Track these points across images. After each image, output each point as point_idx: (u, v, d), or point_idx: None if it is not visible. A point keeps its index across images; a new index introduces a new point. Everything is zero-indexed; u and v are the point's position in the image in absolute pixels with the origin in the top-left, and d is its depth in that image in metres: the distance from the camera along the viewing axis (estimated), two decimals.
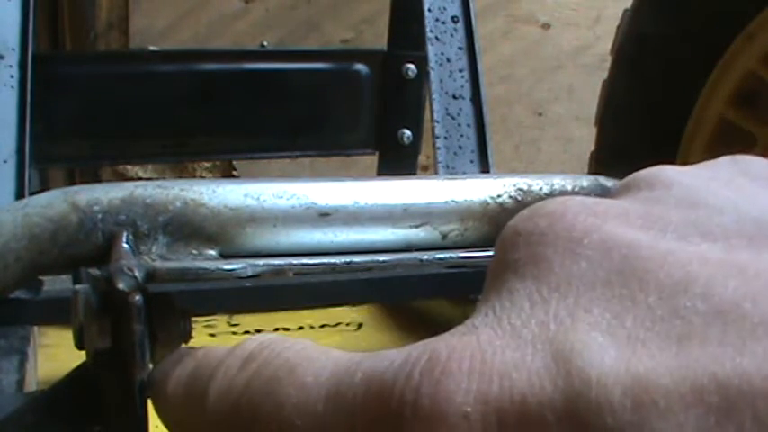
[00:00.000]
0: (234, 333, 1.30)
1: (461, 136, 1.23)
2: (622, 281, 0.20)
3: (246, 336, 1.24)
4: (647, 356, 0.18)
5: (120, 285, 0.36)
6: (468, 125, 1.24)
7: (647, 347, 0.18)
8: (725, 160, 0.26)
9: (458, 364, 0.19)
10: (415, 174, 1.58)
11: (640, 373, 0.18)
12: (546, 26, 2.37)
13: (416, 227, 0.47)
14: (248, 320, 1.36)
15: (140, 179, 2.09)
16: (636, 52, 1.33)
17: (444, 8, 1.29)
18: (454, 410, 0.18)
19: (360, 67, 1.51)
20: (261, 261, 0.42)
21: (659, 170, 0.25)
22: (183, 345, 0.41)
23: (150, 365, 0.37)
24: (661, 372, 0.18)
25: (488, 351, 0.19)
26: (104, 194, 0.43)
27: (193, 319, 0.42)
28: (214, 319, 1.33)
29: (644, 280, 0.20)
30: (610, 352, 0.18)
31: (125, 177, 2.09)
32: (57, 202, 0.43)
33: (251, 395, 0.23)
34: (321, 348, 0.24)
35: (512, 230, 0.23)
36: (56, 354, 0.99)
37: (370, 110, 1.52)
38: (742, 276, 0.19)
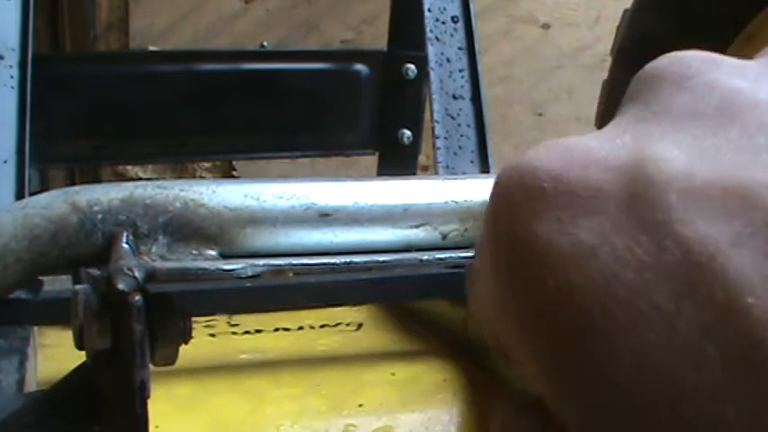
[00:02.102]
0: (234, 333, 1.30)
1: (461, 136, 1.23)
2: (715, 115, 0.22)
3: (246, 335, 1.24)
4: (710, 167, 0.20)
5: (120, 285, 0.36)
6: (468, 125, 1.24)
7: (713, 163, 0.20)
8: None
9: (555, 146, 0.23)
10: (415, 174, 1.58)
11: (698, 175, 0.20)
12: (546, 26, 2.37)
13: (416, 227, 0.47)
14: (248, 320, 1.36)
15: (140, 179, 2.10)
16: (636, 52, 1.33)
17: (444, 8, 1.29)
18: (535, 187, 0.22)
19: (360, 67, 1.51)
20: (261, 261, 0.42)
21: None
22: (183, 345, 0.41)
23: (150, 365, 0.37)
24: (717, 178, 0.20)
25: (583, 143, 0.23)
26: (104, 195, 0.43)
27: (193, 319, 0.42)
28: (214, 319, 1.33)
29: (733, 118, 0.22)
30: (680, 158, 0.21)
31: (125, 177, 2.09)
32: (57, 202, 0.43)
33: None
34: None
35: (641, 71, 0.26)
36: (56, 354, 0.99)
37: (370, 110, 1.52)
38: None
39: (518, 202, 0.22)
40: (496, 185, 0.23)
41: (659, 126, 0.22)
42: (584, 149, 0.22)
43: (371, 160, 1.60)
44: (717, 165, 0.20)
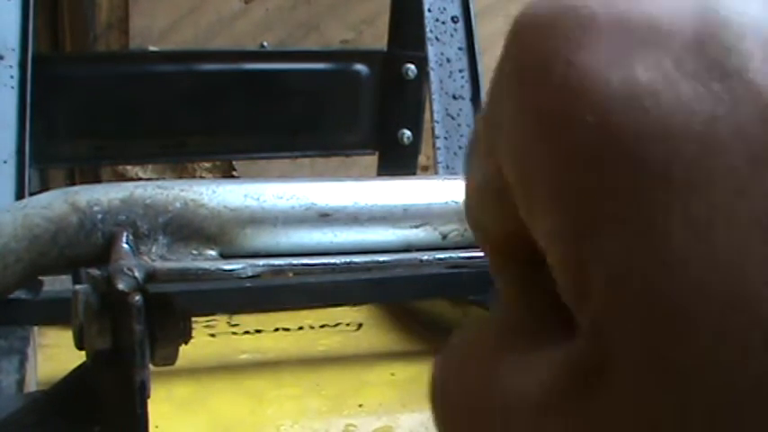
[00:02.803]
0: (234, 333, 1.31)
1: (461, 136, 1.23)
2: None
3: (246, 335, 1.24)
4: None
5: (120, 286, 0.36)
6: (468, 125, 1.24)
7: None
8: None
9: None
10: (415, 174, 1.58)
11: None
12: None
13: (416, 227, 0.47)
14: (248, 320, 1.36)
15: (140, 179, 2.10)
16: None
17: (444, 8, 1.29)
18: (585, 12, 0.18)
19: (360, 67, 1.51)
20: (261, 261, 0.42)
21: None
22: (183, 345, 0.41)
23: (150, 365, 0.37)
24: None
25: None
26: (104, 195, 0.43)
27: (193, 319, 0.42)
28: (214, 319, 1.33)
29: None
30: (757, 10, 0.18)
31: (125, 177, 2.09)
32: (57, 202, 0.43)
33: None
34: None
35: None
36: (56, 354, 0.99)
37: (370, 110, 1.52)
38: None
39: (560, 25, 0.18)
40: (531, 6, 0.19)
41: None
42: None
43: (371, 160, 1.60)
44: None
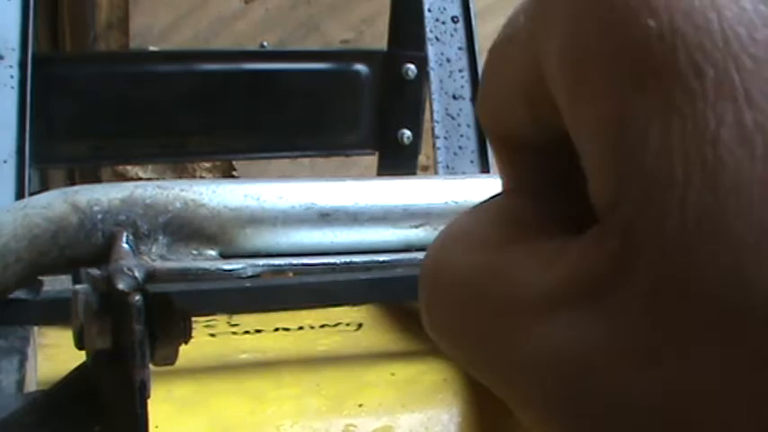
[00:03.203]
0: (234, 333, 1.30)
1: (461, 136, 1.23)
2: None
3: (246, 335, 1.24)
4: None
5: (120, 286, 0.36)
6: (468, 125, 1.24)
7: None
8: None
9: None
10: (415, 174, 1.58)
11: None
12: None
13: (416, 227, 0.47)
14: (248, 320, 1.36)
15: (140, 179, 2.10)
16: None
17: (444, 8, 1.29)
18: None
19: (360, 67, 1.51)
20: (261, 261, 0.42)
21: None
22: (183, 345, 0.41)
23: (150, 365, 0.37)
24: None
25: None
26: (104, 195, 0.43)
27: (193, 319, 0.42)
28: (214, 319, 1.33)
29: None
30: None
31: (125, 177, 2.09)
32: (57, 202, 0.43)
33: None
34: None
35: None
36: (56, 354, 0.99)
37: (370, 110, 1.52)
38: None
39: None
40: None
41: None
42: None
43: (371, 160, 1.60)
44: None
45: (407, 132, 1.52)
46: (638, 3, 0.17)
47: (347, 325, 1.20)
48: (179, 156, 1.58)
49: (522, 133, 0.21)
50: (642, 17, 0.17)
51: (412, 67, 1.48)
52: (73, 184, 1.91)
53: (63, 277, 0.98)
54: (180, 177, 2.16)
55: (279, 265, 0.43)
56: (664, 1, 0.17)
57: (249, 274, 0.42)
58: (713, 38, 0.16)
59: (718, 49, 0.16)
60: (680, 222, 0.16)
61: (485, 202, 0.22)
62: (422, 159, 1.70)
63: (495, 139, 0.22)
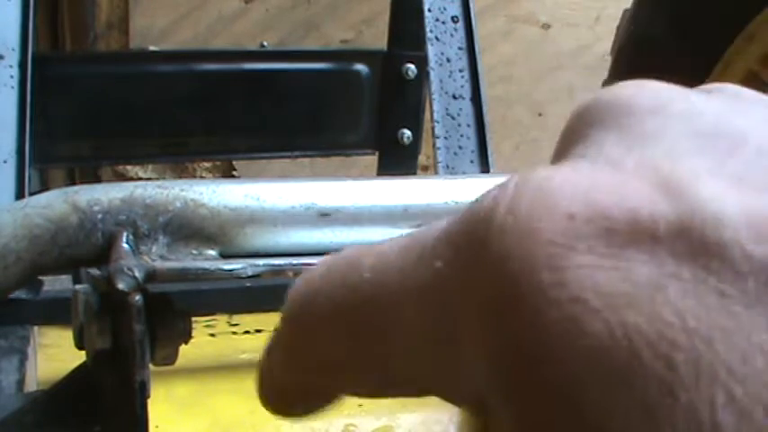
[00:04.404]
0: (234, 333, 1.30)
1: (461, 136, 1.23)
2: (717, 135, 0.19)
3: (246, 335, 1.24)
4: (755, 192, 0.17)
5: (120, 285, 0.36)
6: (468, 125, 1.24)
7: (754, 186, 0.18)
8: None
9: (560, 179, 0.18)
10: (415, 174, 1.58)
11: (754, 200, 0.17)
12: (546, 26, 2.37)
13: (416, 227, 0.47)
14: (248, 320, 1.36)
15: (140, 179, 2.09)
16: (636, 52, 1.33)
17: (444, 8, 1.29)
18: (559, 211, 0.17)
19: (360, 67, 1.51)
20: (261, 261, 0.42)
21: (723, 83, 0.24)
22: (183, 345, 0.41)
23: (150, 365, 0.37)
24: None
25: (590, 175, 0.18)
26: (104, 194, 0.43)
27: (193, 319, 0.42)
28: (214, 319, 1.33)
29: (740, 137, 0.19)
30: (718, 182, 0.17)
31: (125, 177, 2.09)
32: (57, 202, 0.43)
33: (324, 281, 0.22)
34: None
35: (590, 99, 0.22)
36: (56, 354, 0.99)
37: (370, 110, 1.52)
38: None
39: (538, 233, 0.17)
40: (494, 216, 0.17)
41: (662, 152, 0.19)
42: (602, 171, 0.18)
43: (371, 160, 1.60)
44: (758, 192, 0.17)
45: (407, 132, 1.52)
46: (574, 315, 0.16)
47: None
48: (179, 156, 1.58)
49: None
50: (584, 330, 0.16)
51: (412, 66, 1.48)
52: (73, 184, 1.91)
53: (63, 277, 0.98)
54: (180, 177, 2.16)
55: (279, 265, 0.43)
56: (601, 301, 0.16)
57: (249, 274, 0.42)
58: (668, 322, 0.16)
59: (677, 331, 0.16)
60: None
61: None
62: (422, 159, 1.70)
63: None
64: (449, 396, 0.20)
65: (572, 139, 0.21)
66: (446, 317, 0.18)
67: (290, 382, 0.23)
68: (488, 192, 0.18)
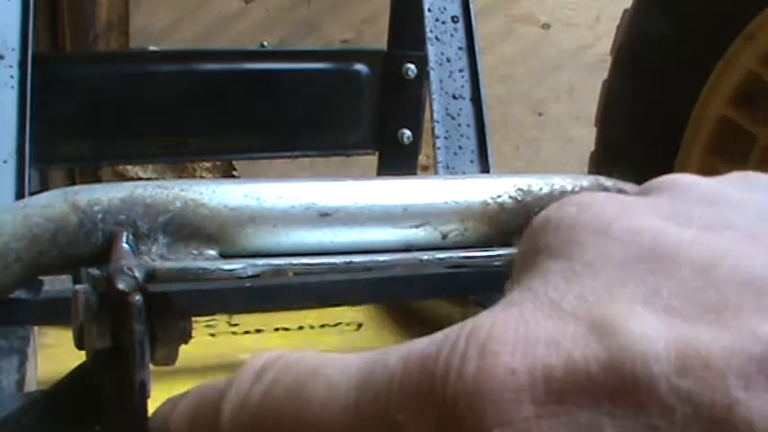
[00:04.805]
0: (234, 333, 1.30)
1: (461, 136, 1.23)
2: (654, 258, 0.20)
3: (246, 335, 1.24)
4: (685, 322, 0.19)
5: (120, 285, 0.36)
6: (468, 125, 1.24)
7: (684, 315, 0.19)
8: (735, 174, 0.27)
9: (502, 330, 0.19)
10: (415, 174, 1.58)
11: (681, 332, 0.18)
12: (546, 26, 2.37)
13: (416, 227, 0.47)
14: (248, 320, 1.36)
15: (140, 179, 2.09)
16: (636, 52, 1.33)
17: (444, 8, 1.29)
18: (502, 368, 0.19)
19: (360, 67, 1.51)
20: (261, 261, 0.42)
21: (677, 176, 0.26)
22: (183, 345, 0.41)
23: (150, 366, 0.37)
24: (701, 332, 0.18)
25: (531, 320, 0.20)
26: (104, 194, 0.43)
27: (193, 319, 0.42)
28: (214, 319, 1.33)
29: (675, 258, 0.20)
30: (649, 317, 0.19)
31: (125, 177, 2.09)
32: (57, 202, 0.43)
33: (271, 403, 0.23)
34: (339, 354, 0.23)
35: (541, 218, 0.24)
36: (56, 354, 0.99)
37: (370, 110, 1.52)
38: None
39: (488, 392, 0.19)
40: (429, 376, 0.19)
41: (600, 282, 0.20)
42: (538, 325, 0.19)
43: (371, 160, 1.60)
44: (686, 321, 0.19)
45: (407, 132, 1.52)
46: None
47: (347, 325, 1.20)
48: (179, 156, 1.58)
49: None
50: None
51: (412, 66, 1.48)
52: (73, 184, 1.91)
53: (63, 277, 0.98)
54: (180, 177, 2.16)
55: (279, 265, 0.43)
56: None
57: (249, 274, 0.42)
58: None
59: None
60: None
61: None
62: (422, 159, 1.70)
63: None
64: None
65: (523, 266, 0.23)
66: None
67: None
68: (440, 342, 0.20)
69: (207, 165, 2.13)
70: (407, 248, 0.48)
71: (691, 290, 0.19)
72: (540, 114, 2.41)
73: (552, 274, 0.21)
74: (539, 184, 0.50)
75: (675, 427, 0.17)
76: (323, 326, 1.30)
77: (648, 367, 0.18)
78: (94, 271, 0.40)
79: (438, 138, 1.21)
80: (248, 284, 1.00)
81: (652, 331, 0.18)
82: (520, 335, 0.19)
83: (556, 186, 0.51)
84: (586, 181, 0.52)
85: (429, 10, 1.28)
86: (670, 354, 0.18)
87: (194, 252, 0.44)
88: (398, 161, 1.53)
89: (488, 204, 0.49)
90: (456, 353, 0.19)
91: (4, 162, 1.03)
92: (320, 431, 0.21)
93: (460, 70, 1.26)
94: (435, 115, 1.23)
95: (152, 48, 2.01)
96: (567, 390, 0.18)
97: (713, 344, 0.18)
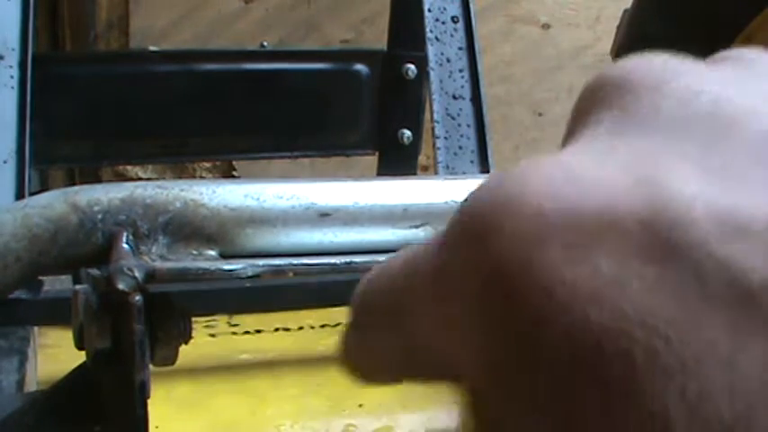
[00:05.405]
0: (234, 333, 1.30)
1: (461, 136, 1.23)
2: (711, 122, 0.20)
3: (246, 336, 1.24)
4: (733, 190, 0.18)
5: (120, 285, 0.36)
6: (468, 125, 1.24)
7: (734, 183, 0.18)
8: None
9: (537, 174, 0.19)
10: (415, 174, 1.58)
11: (728, 200, 0.18)
12: (546, 26, 2.37)
13: (416, 227, 0.47)
14: (248, 320, 1.36)
15: (140, 179, 2.09)
16: (636, 52, 1.33)
17: (444, 8, 1.29)
18: (531, 208, 0.18)
19: (360, 67, 1.51)
20: (261, 261, 0.42)
21: (744, 49, 0.25)
22: (183, 345, 0.41)
23: (150, 366, 0.37)
24: (750, 202, 0.17)
25: (573, 165, 0.19)
26: (104, 194, 0.43)
27: (193, 319, 0.42)
28: (214, 319, 1.33)
29: (733, 124, 0.19)
30: (697, 180, 0.18)
31: (125, 177, 2.09)
32: (57, 202, 0.43)
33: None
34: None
35: (598, 75, 0.23)
36: (56, 354, 0.99)
37: (370, 110, 1.52)
38: None
39: (508, 228, 0.18)
40: (473, 210, 0.19)
41: (654, 138, 0.19)
42: (579, 165, 0.19)
43: (371, 160, 1.60)
44: (738, 186, 0.18)
45: (407, 132, 1.52)
46: (541, 307, 0.17)
47: None
48: (179, 156, 1.58)
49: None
50: (549, 322, 0.17)
51: (412, 67, 1.48)
52: (73, 184, 1.91)
53: (63, 277, 0.98)
54: (180, 177, 2.16)
55: (279, 265, 0.43)
56: (566, 295, 0.17)
57: (249, 274, 0.42)
58: (628, 318, 0.17)
59: (636, 327, 0.17)
60: None
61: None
62: (422, 159, 1.70)
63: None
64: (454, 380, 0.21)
65: (577, 118, 0.22)
66: (449, 301, 0.20)
67: (360, 359, 0.25)
68: (477, 189, 0.20)
69: (207, 165, 2.13)
70: None
71: (745, 159, 0.19)
72: (540, 114, 2.41)
73: (603, 126, 0.21)
74: None
75: (707, 294, 0.17)
76: (323, 326, 1.30)
77: (687, 230, 0.17)
78: (94, 271, 0.40)
79: (438, 138, 1.21)
80: (248, 284, 1.00)
81: (698, 194, 0.18)
82: (556, 180, 0.18)
83: None
84: None
85: (429, 10, 1.28)
86: (713, 218, 0.17)
87: (194, 252, 0.44)
88: (398, 161, 1.53)
89: None
90: (489, 193, 0.19)
91: (4, 162, 1.03)
92: (401, 281, 0.22)
93: (460, 70, 1.26)
94: (435, 115, 1.23)
95: (152, 48, 2.01)
96: (598, 240, 0.18)
97: (760, 213, 0.17)
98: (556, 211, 0.18)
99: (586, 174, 0.18)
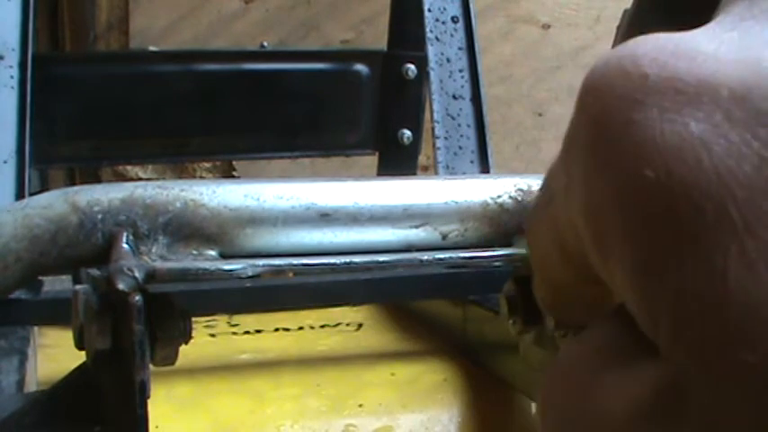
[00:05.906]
0: (234, 333, 1.30)
1: (461, 136, 1.23)
2: None
3: (246, 336, 1.24)
4: None
5: (120, 286, 0.36)
6: (468, 125, 1.24)
7: None
8: None
9: (649, 44, 0.21)
10: (415, 174, 1.58)
11: None
12: (546, 26, 2.37)
13: (416, 227, 0.47)
14: (248, 320, 1.36)
15: (140, 179, 2.09)
16: None
17: (444, 8, 1.29)
18: (638, 71, 0.20)
19: (360, 67, 1.51)
20: (261, 261, 0.42)
21: None
22: (183, 345, 0.41)
23: (150, 366, 0.37)
24: None
25: (686, 39, 0.21)
26: (104, 195, 0.43)
27: (193, 319, 0.42)
28: (214, 319, 1.33)
29: None
30: None
31: (125, 178, 2.09)
32: (57, 202, 0.43)
33: None
34: None
35: None
36: (56, 354, 0.99)
37: (370, 110, 1.52)
38: None
39: (617, 88, 0.21)
40: (591, 73, 0.22)
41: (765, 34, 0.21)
42: (690, 41, 0.21)
43: (371, 160, 1.60)
44: None
45: (407, 132, 1.52)
46: (634, 156, 0.19)
47: (347, 325, 1.20)
48: (179, 156, 1.58)
49: (573, 281, 0.25)
50: (640, 169, 0.19)
51: (412, 67, 1.48)
52: (73, 184, 1.91)
53: (63, 277, 0.98)
54: (180, 177, 2.16)
55: (279, 265, 0.43)
56: (656, 148, 0.19)
57: (249, 274, 0.42)
58: (707, 175, 0.18)
59: (712, 184, 0.18)
60: (706, 360, 0.18)
61: (590, 327, 0.25)
62: (422, 159, 1.70)
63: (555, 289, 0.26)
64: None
65: (721, 5, 0.25)
66: (571, 153, 0.22)
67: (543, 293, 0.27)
68: (601, 56, 0.23)
69: (207, 165, 2.13)
70: (407, 249, 0.48)
71: None
72: (540, 114, 2.41)
73: (729, 15, 0.23)
74: (539, 184, 0.50)
75: None
76: (323, 326, 1.30)
77: None
78: (94, 271, 0.40)
79: (438, 138, 1.21)
80: (248, 284, 0.99)
81: None
82: (667, 49, 0.21)
83: None
84: None
85: (429, 10, 1.28)
86: None
87: (194, 252, 0.44)
88: (398, 161, 1.53)
89: (488, 205, 0.49)
90: (610, 56, 0.22)
91: (4, 162, 1.03)
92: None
93: (460, 70, 1.26)
94: (435, 115, 1.23)
95: (152, 48, 2.01)
96: (691, 104, 0.19)
97: None
98: (659, 76, 0.20)
99: (698, 48, 0.21)
